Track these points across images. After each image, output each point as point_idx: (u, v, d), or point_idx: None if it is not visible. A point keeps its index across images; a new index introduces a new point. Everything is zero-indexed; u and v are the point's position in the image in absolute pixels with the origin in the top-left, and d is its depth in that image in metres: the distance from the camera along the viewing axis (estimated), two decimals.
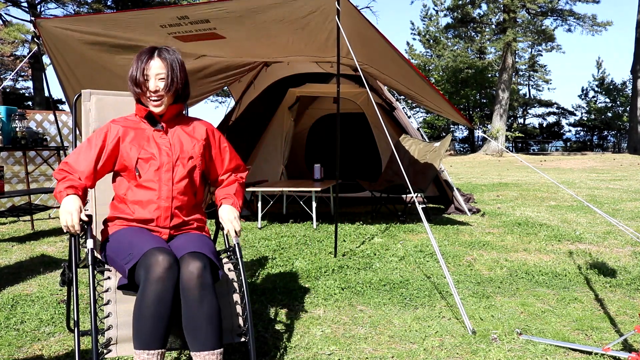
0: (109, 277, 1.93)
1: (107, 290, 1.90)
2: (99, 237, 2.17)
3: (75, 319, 1.83)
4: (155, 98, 2.08)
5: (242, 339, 1.98)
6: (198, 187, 2.18)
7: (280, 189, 5.51)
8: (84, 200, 1.96)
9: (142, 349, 1.77)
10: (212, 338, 1.83)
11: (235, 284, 2.08)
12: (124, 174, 2.09)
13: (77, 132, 2.57)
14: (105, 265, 2.00)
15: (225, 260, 2.18)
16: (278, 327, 2.62)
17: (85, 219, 1.87)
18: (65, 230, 1.83)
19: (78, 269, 1.97)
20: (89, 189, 2.05)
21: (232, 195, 2.22)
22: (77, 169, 2.00)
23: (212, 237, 2.30)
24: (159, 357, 1.79)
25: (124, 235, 2.01)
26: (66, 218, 1.83)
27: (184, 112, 2.36)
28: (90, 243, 1.89)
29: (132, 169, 2.05)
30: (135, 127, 2.12)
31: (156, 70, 2.07)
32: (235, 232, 2.11)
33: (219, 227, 2.31)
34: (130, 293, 1.90)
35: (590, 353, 2.27)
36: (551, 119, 36.98)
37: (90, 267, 1.88)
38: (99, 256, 2.08)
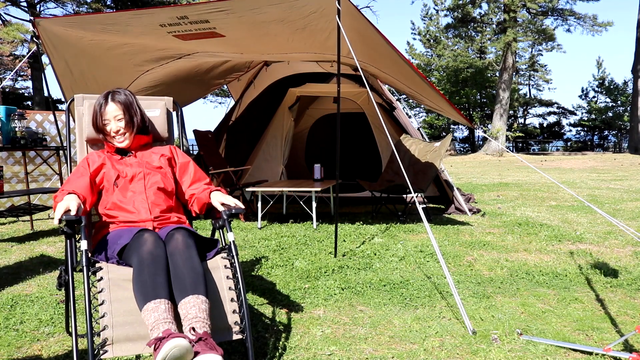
0: (101, 278, 1.93)
1: (101, 291, 1.89)
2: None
3: (73, 319, 1.82)
4: (119, 137, 2.35)
5: (240, 337, 1.97)
6: (172, 192, 2.38)
7: (280, 189, 5.50)
8: (84, 211, 2.09)
9: (147, 302, 1.84)
10: (196, 286, 1.93)
11: (232, 282, 2.08)
12: (106, 193, 2.30)
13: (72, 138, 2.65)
14: (97, 264, 2.01)
15: (221, 257, 2.18)
16: (278, 327, 2.62)
17: (82, 206, 2.02)
18: (59, 215, 1.88)
19: (74, 272, 1.97)
20: (88, 208, 2.19)
21: (215, 188, 2.41)
22: (74, 189, 2.13)
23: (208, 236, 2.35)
24: (166, 306, 1.85)
25: (112, 234, 2.19)
26: (65, 203, 1.93)
27: (174, 112, 2.67)
28: (84, 244, 1.90)
29: (112, 182, 2.28)
30: (110, 157, 2.38)
31: (113, 113, 2.35)
32: (235, 204, 2.24)
33: (215, 227, 2.32)
34: (123, 290, 1.90)
35: (591, 353, 2.26)
36: (552, 118, 36.97)
37: (85, 268, 1.88)
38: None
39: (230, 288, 2.06)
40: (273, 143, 7.28)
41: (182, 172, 2.46)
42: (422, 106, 31.49)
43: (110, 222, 2.25)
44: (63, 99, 5.23)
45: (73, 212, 1.90)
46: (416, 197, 4.29)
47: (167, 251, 2.04)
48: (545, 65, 33.85)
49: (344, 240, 4.69)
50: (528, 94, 36.48)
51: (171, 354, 1.68)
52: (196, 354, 1.73)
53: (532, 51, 32.09)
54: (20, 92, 29.43)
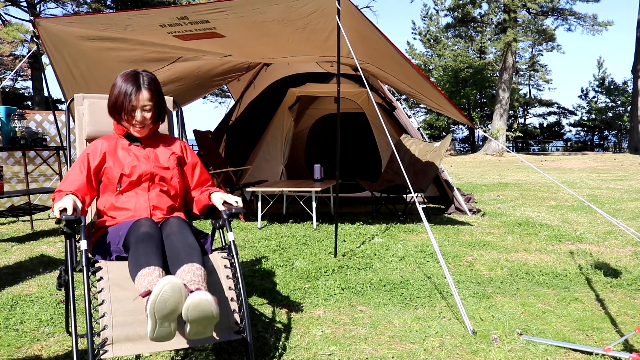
0: (101, 277, 1.92)
1: (101, 291, 1.89)
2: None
3: (73, 319, 1.82)
4: (141, 126, 2.23)
5: (239, 336, 1.97)
6: (175, 194, 2.32)
7: (280, 189, 5.50)
8: (84, 210, 2.07)
9: (141, 269, 1.84)
10: (191, 256, 1.92)
11: (232, 281, 2.08)
12: (107, 189, 2.23)
13: (72, 138, 2.62)
14: (97, 264, 1.99)
15: (221, 257, 2.18)
16: (278, 327, 2.62)
17: (80, 205, 1.99)
18: (57, 215, 1.88)
19: (74, 272, 1.97)
20: (87, 207, 2.18)
21: (214, 189, 2.38)
22: (72, 189, 2.10)
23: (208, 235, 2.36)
24: (160, 272, 1.85)
25: (112, 229, 2.17)
26: (61, 204, 1.91)
27: (174, 111, 2.60)
28: (84, 244, 1.89)
29: (115, 183, 2.20)
30: (115, 144, 2.27)
31: (144, 102, 2.19)
32: (235, 202, 2.23)
33: (215, 226, 2.32)
34: (123, 290, 1.91)
35: (591, 353, 2.26)
36: (552, 118, 36.97)
37: (85, 267, 1.88)
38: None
39: (230, 288, 2.06)
40: (273, 143, 7.28)
41: (189, 172, 2.40)
42: (422, 106, 31.50)
43: (110, 224, 2.23)
44: (63, 99, 5.23)
45: (70, 212, 1.88)
46: (416, 197, 4.29)
47: (162, 235, 2.06)
48: (545, 65, 33.88)
49: (344, 240, 4.69)
50: (528, 94, 36.49)
51: (163, 292, 1.66)
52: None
53: (532, 51, 32.11)
54: (20, 92, 29.43)
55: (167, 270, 1.96)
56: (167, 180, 2.28)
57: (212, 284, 2.05)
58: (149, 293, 1.74)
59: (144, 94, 2.19)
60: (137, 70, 2.24)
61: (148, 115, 2.22)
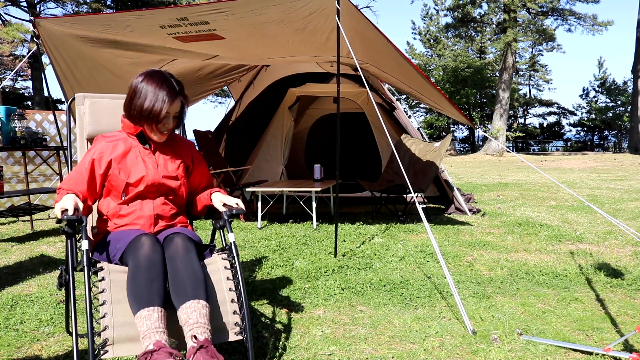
0: (103, 278, 1.92)
1: (102, 291, 1.89)
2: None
3: (73, 319, 1.82)
4: (166, 132, 2.15)
5: (240, 337, 1.97)
6: (180, 202, 2.29)
7: (280, 189, 5.50)
8: (85, 209, 2.04)
9: (141, 308, 1.81)
10: (197, 290, 1.88)
11: (232, 282, 2.08)
12: (110, 193, 2.18)
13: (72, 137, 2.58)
14: (98, 264, 1.99)
15: (222, 258, 2.18)
16: (278, 327, 2.62)
17: (81, 205, 1.96)
18: (59, 215, 1.87)
19: (75, 272, 1.97)
20: (90, 206, 2.15)
21: (215, 189, 2.36)
22: (74, 189, 2.07)
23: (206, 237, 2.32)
24: (159, 314, 1.82)
25: (113, 235, 2.13)
26: (62, 204, 1.89)
27: None
28: (85, 244, 1.89)
29: (120, 191, 2.14)
30: (123, 148, 2.16)
31: (176, 109, 2.11)
32: (236, 204, 2.20)
33: (216, 227, 2.31)
34: (125, 291, 1.91)
35: (591, 353, 2.27)
36: (552, 118, 36.97)
37: (86, 268, 1.87)
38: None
39: (230, 289, 2.06)
40: (273, 143, 7.28)
41: (197, 178, 2.36)
42: (422, 106, 31.51)
43: (111, 229, 2.19)
44: (63, 99, 5.23)
45: (71, 212, 1.86)
46: (416, 197, 4.29)
47: (165, 255, 1.99)
48: (545, 65, 33.86)
49: (344, 240, 4.69)
50: (528, 94, 36.49)
51: None
52: None
53: (532, 51, 32.10)
54: (20, 92, 29.44)
55: (168, 295, 1.92)
56: (174, 189, 2.22)
57: (213, 284, 2.05)
58: (147, 355, 1.70)
59: (178, 103, 2.10)
60: (163, 73, 2.12)
61: (175, 122, 2.14)
